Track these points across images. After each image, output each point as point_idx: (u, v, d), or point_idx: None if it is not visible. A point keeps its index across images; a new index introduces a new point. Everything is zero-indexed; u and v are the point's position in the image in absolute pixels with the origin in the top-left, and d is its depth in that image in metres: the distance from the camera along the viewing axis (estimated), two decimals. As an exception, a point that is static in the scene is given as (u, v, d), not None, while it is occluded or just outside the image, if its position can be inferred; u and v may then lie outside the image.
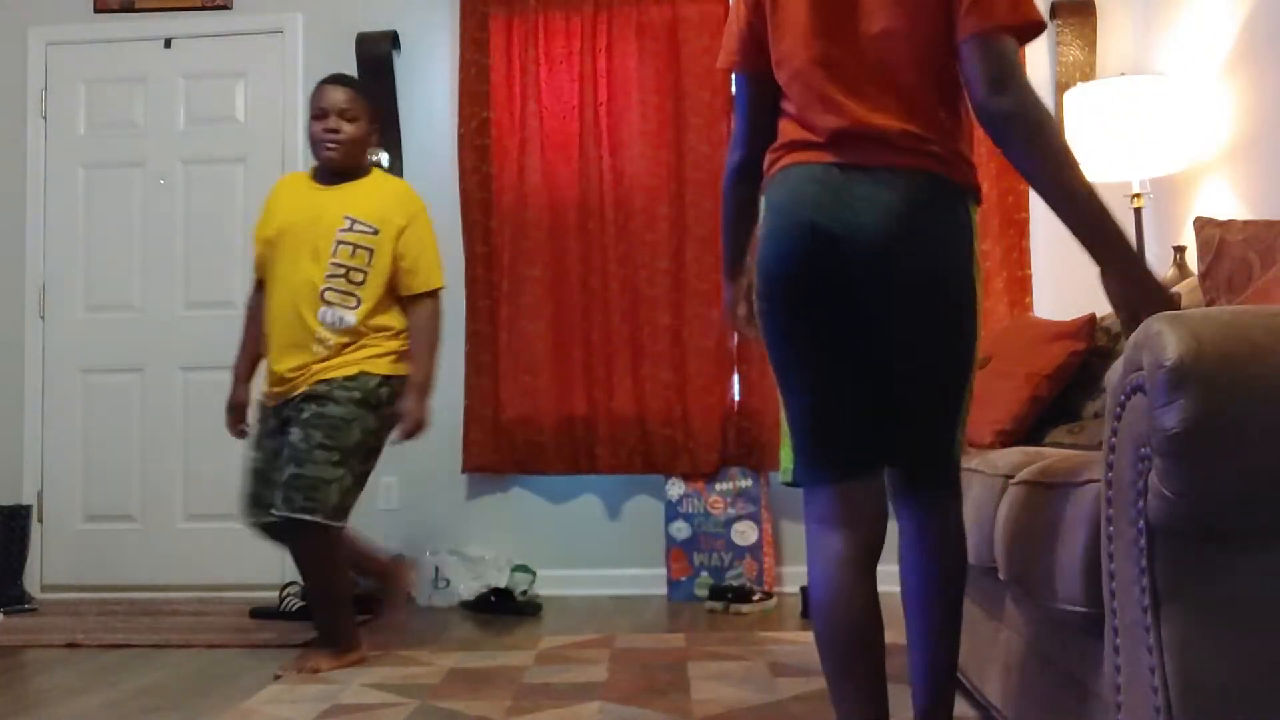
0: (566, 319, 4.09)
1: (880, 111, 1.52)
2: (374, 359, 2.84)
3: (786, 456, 1.68)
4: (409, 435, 2.88)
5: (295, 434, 2.76)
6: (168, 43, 4.37)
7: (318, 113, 2.87)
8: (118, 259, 4.31)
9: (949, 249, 1.53)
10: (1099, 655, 1.38)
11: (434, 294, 2.96)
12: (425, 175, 4.25)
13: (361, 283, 2.83)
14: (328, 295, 2.81)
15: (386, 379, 2.85)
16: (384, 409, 2.85)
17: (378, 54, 4.18)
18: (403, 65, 4.27)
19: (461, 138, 4.15)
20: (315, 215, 2.85)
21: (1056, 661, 1.60)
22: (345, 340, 2.81)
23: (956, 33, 1.50)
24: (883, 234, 1.49)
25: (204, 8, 4.33)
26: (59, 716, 2.41)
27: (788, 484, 1.68)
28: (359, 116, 2.89)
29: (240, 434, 3.09)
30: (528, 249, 4.10)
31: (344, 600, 2.89)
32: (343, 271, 2.81)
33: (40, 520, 4.24)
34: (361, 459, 2.83)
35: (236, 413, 3.08)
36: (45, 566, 4.24)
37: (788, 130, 1.61)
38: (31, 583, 4.16)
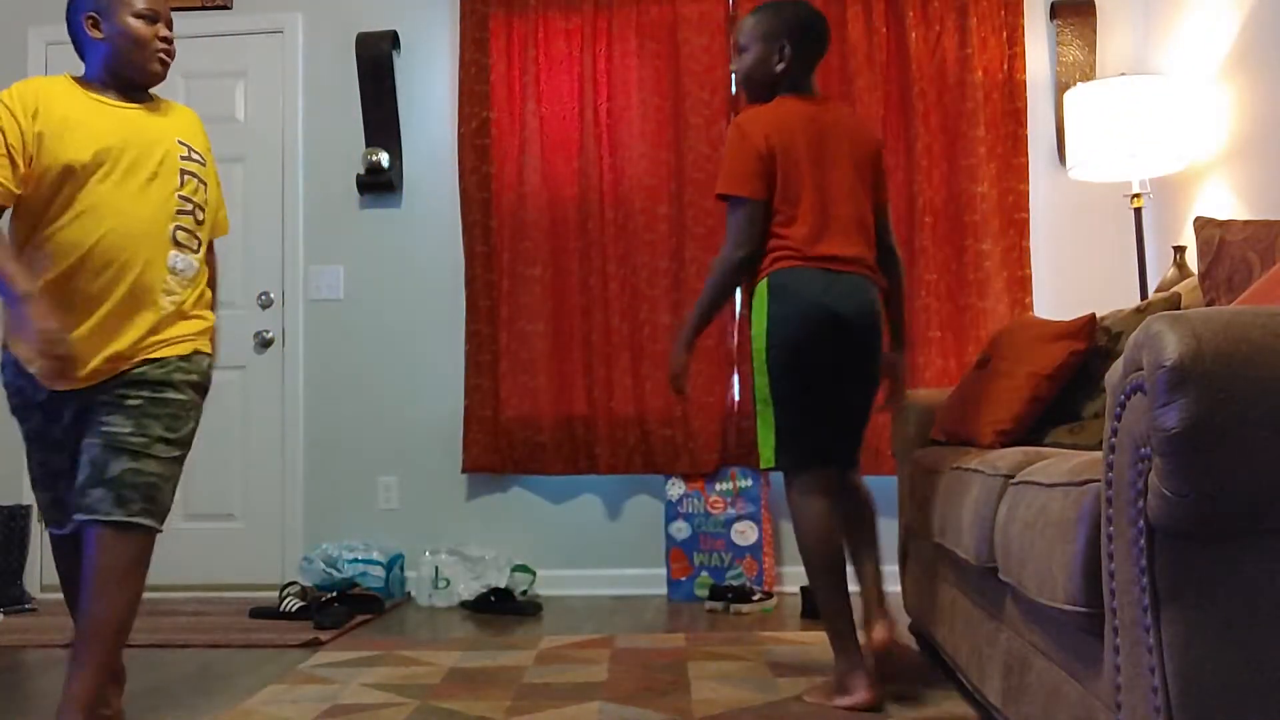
0: (566, 319, 4.09)
1: (844, 241, 2.42)
2: (203, 334, 2.35)
3: (767, 447, 2.44)
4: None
5: (120, 423, 2.17)
6: (168, 42, 4.36)
7: (147, 14, 2.30)
8: (117, 259, 4.29)
9: (880, 319, 2.48)
10: (1099, 655, 1.38)
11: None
12: (425, 175, 4.26)
13: (202, 222, 2.37)
14: (179, 235, 2.29)
15: (209, 357, 2.38)
16: (205, 395, 2.39)
17: (378, 54, 4.18)
18: (403, 65, 4.27)
19: (461, 138, 4.15)
20: (137, 135, 2.30)
21: (1056, 661, 1.60)
22: (188, 295, 2.32)
23: (874, 196, 2.56)
24: (861, 308, 2.41)
25: (204, 8, 4.33)
26: (59, 716, 2.41)
27: (768, 469, 2.48)
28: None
29: None
30: (527, 249, 4.10)
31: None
32: (190, 208, 2.32)
33: (40, 520, 4.24)
34: (187, 453, 2.32)
35: None
36: (45, 566, 4.23)
37: (789, 250, 2.39)
38: (31, 583, 4.16)
